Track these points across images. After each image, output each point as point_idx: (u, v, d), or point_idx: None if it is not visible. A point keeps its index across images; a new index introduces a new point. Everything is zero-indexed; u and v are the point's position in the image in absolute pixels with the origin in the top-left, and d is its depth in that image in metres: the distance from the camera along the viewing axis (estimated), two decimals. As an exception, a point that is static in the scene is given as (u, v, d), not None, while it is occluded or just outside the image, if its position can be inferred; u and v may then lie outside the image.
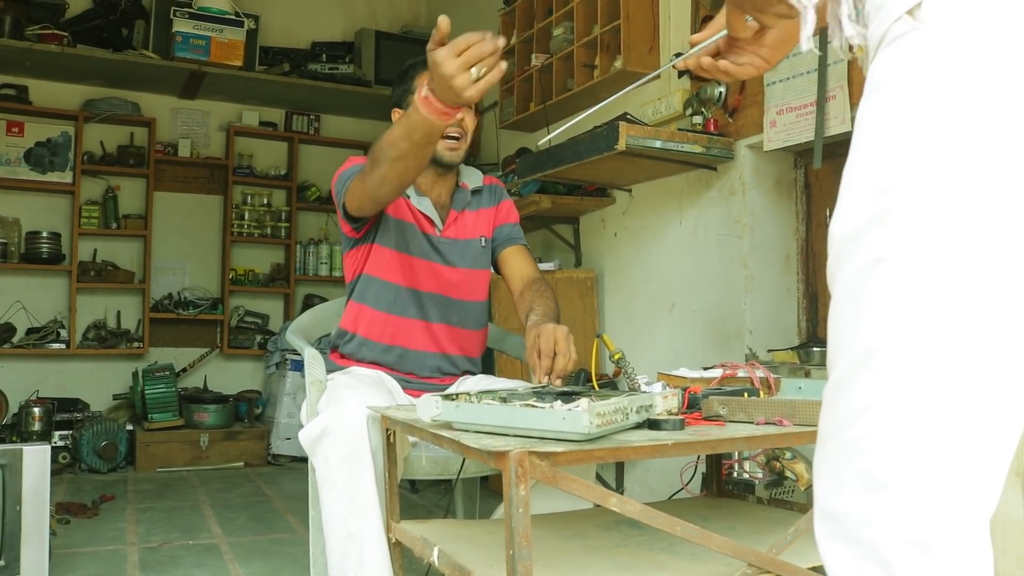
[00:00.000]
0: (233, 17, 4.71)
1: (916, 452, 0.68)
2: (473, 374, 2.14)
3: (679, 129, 2.82)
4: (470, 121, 2.04)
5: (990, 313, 0.67)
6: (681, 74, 3.01)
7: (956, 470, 0.68)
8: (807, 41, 0.84)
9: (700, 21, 2.95)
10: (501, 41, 1.45)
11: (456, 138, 2.02)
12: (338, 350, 2.09)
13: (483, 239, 2.13)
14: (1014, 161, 0.66)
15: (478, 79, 1.45)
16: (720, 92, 2.81)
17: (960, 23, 0.69)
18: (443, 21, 1.46)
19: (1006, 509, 1.64)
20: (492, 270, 2.18)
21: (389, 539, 1.60)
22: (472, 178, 2.16)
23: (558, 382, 1.65)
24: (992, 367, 0.67)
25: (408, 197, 2.04)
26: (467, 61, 1.45)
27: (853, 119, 2.38)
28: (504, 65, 1.49)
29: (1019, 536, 1.64)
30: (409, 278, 2.02)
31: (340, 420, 1.63)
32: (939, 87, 0.69)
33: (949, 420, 0.67)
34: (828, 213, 2.74)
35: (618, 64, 3.16)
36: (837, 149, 2.50)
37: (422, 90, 1.56)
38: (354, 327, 2.05)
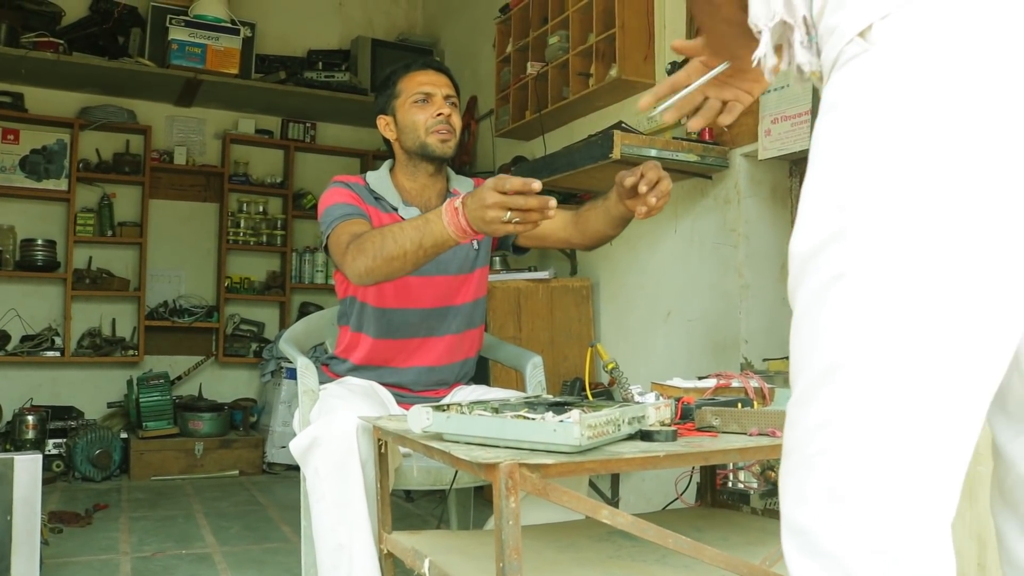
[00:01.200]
0: (229, 25, 4.71)
1: (874, 464, 0.69)
2: (470, 377, 2.13)
3: (674, 138, 2.81)
4: (456, 120, 2.04)
5: (947, 326, 0.68)
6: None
7: (914, 480, 0.69)
8: (767, 71, 0.85)
9: (695, 31, 2.95)
10: (552, 203, 1.52)
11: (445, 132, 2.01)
12: (331, 369, 2.08)
13: (475, 242, 2.07)
14: (965, 177, 0.67)
15: (508, 222, 1.51)
16: (715, 101, 2.80)
17: (910, 44, 0.70)
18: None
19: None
20: (487, 266, 2.16)
21: (380, 550, 1.59)
22: (463, 184, 2.14)
23: (660, 202, 1.72)
24: (947, 379, 0.69)
25: (396, 209, 2.02)
26: (508, 203, 1.50)
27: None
28: (534, 224, 1.54)
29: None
30: (402, 297, 1.99)
31: (329, 431, 1.63)
32: (890, 107, 0.70)
33: (906, 432, 0.69)
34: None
35: (613, 72, 3.15)
36: (832, 158, 2.49)
37: (454, 200, 1.58)
38: (347, 354, 2.05)
